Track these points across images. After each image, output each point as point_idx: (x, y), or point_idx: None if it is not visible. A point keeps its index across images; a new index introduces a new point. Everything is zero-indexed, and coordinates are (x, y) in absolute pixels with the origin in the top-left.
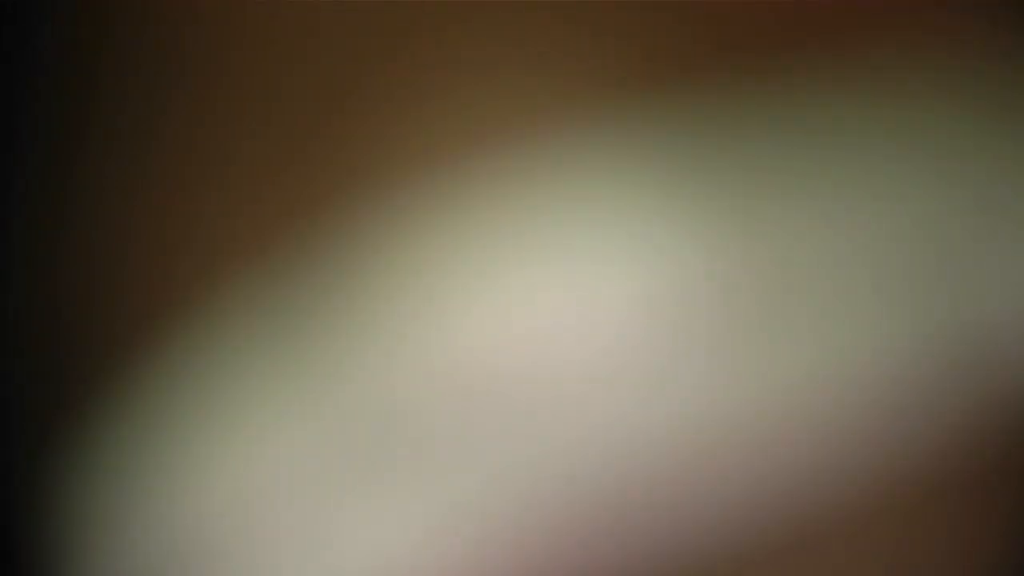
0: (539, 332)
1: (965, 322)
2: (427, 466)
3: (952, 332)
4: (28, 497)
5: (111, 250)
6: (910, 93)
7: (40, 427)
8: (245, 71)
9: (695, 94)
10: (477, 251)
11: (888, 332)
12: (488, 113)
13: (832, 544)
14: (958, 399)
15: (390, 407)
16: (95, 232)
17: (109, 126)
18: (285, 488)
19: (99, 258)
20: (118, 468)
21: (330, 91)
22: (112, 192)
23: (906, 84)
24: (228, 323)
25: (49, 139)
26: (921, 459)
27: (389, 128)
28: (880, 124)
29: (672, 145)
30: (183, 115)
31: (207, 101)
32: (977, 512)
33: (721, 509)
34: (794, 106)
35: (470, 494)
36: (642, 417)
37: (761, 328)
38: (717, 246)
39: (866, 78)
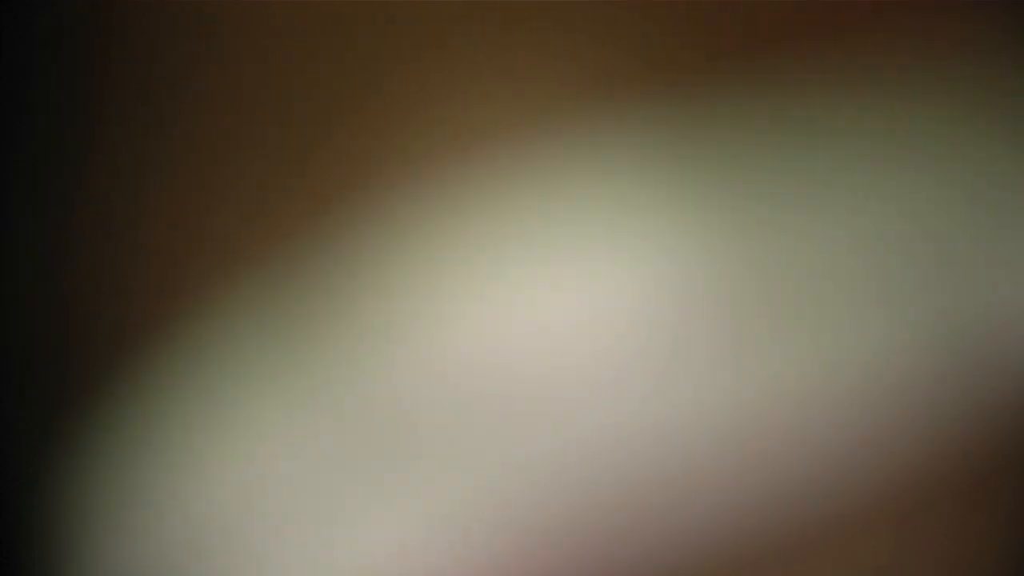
0: (540, 333)
1: (965, 323)
2: (428, 465)
3: (952, 333)
4: (29, 495)
5: (116, 250)
6: (909, 94)
7: (43, 425)
8: (253, 74)
9: (696, 95)
10: (479, 252)
11: (888, 332)
12: (490, 116)
13: (833, 545)
14: (958, 399)
15: (392, 407)
16: (100, 232)
17: (116, 126)
18: (287, 487)
19: (103, 258)
20: (120, 467)
21: (334, 95)
22: (119, 192)
23: (904, 84)
24: (231, 323)
25: (56, 138)
26: (921, 460)
27: (393, 131)
28: (879, 125)
29: (674, 146)
30: (191, 117)
31: (215, 103)
32: (977, 513)
33: (722, 510)
34: (794, 107)
35: (471, 494)
36: (643, 418)
37: (762, 329)
38: (718, 247)
39: (866, 79)
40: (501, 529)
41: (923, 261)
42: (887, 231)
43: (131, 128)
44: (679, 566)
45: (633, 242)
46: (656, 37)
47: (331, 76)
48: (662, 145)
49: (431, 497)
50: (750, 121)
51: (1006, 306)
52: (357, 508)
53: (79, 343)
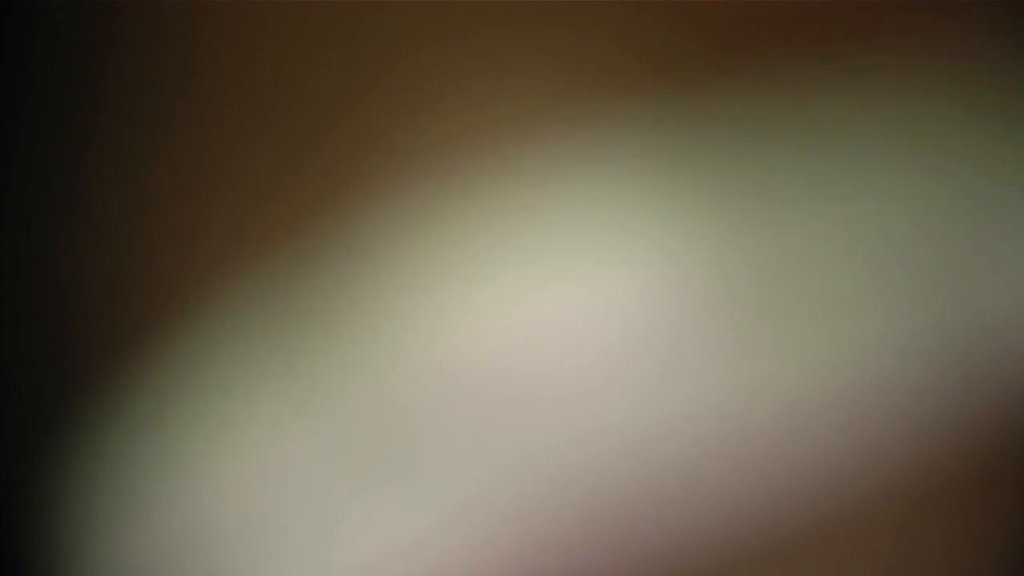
0: (539, 333)
1: (964, 322)
2: (427, 466)
3: (951, 332)
4: (29, 496)
5: (115, 250)
6: (908, 94)
7: (42, 426)
8: (252, 73)
9: (695, 95)
10: (478, 252)
11: (887, 332)
12: (490, 115)
13: (832, 545)
14: (957, 399)
15: (391, 407)
16: (99, 233)
17: (115, 126)
18: (286, 487)
19: (102, 258)
20: (119, 467)
21: (332, 94)
22: (119, 192)
23: (904, 85)
24: (230, 323)
25: (55, 138)
26: (920, 459)
27: (391, 131)
28: (878, 125)
29: (672, 146)
30: (189, 116)
31: (214, 103)
32: (977, 513)
33: (722, 510)
34: (793, 107)
35: (470, 493)
36: (642, 418)
37: (761, 329)
38: (717, 247)
39: (865, 79)
40: (500, 529)
41: (923, 261)
42: (886, 231)
43: (130, 127)
44: (679, 565)
45: (632, 242)
46: (656, 37)
47: (329, 75)
48: (662, 145)
49: (430, 498)
50: (749, 121)
51: (1006, 306)
52: (356, 508)
53: (77, 344)
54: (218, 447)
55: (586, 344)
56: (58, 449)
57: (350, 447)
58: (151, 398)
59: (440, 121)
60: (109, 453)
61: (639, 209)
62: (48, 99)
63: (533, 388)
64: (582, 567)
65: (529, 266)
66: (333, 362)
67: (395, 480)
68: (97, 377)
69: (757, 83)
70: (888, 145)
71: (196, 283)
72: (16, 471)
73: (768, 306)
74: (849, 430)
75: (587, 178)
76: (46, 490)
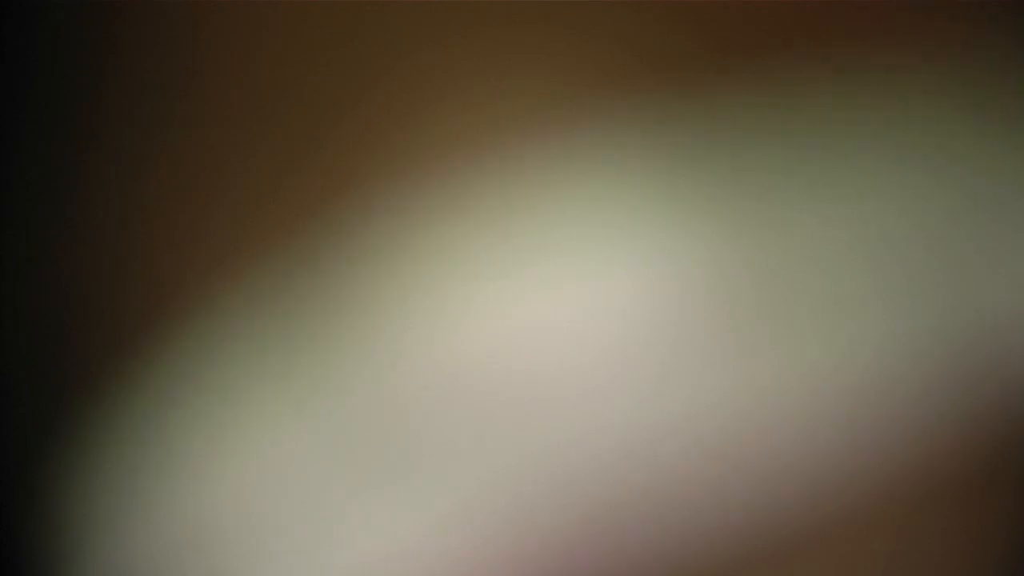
0: (539, 333)
1: (965, 323)
2: (428, 465)
3: (951, 332)
4: (29, 496)
5: (115, 251)
6: (908, 94)
7: (42, 426)
8: (252, 73)
9: (695, 95)
10: (478, 252)
11: (887, 332)
12: (490, 115)
13: (833, 545)
14: (957, 400)
15: (391, 406)
16: (99, 233)
17: (115, 126)
18: (286, 487)
19: (102, 258)
20: (120, 467)
21: (333, 94)
22: (119, 192)
23: (903, 85)
24: (230, 323)
25: (55, 138)
26: (920, 460)
27: (392, 131)
28: (879, 125)
29: (672, 146)
30: (190, 116)
31: (214, 103)
32: (977, 513)
33: (722, 510)
34: (793, 107)
35: (470, 493)
36: (642, 417)
37: (761, 329)
38: (717, 248)
39: (865, 79)
40: (500, 529)
41: (923, 261)
42: (887, 231)
43: (130, 127)
44: (679, 566)
45: (632, 242)
46: (656, 37)
47: (329, 75)
48: (662, 145)
49: (430, 498)
50: (749, 121)
51: (1006, 306)
52: (356, 508)
53: (77, 344)
54: (218, 447)
55: (586, 344)
56: (58, 449)
57: (350, 447)
58: (151, 398)
59: (440, 121)
60: (109, 453)
61: (639, 209)
62: (48, 99)
63: (533, 388)
64: (582, 567)
65: (529, 266)
66: (333, 362)
67: (395, 480)
68: (97, 377)
69: (757, 83)
70: (888, 145)
71: (196, 283)
72: (16, 471)
73: (768, 306)
74: (849, 430)
75: (587, 178)
76: (46, 490)
